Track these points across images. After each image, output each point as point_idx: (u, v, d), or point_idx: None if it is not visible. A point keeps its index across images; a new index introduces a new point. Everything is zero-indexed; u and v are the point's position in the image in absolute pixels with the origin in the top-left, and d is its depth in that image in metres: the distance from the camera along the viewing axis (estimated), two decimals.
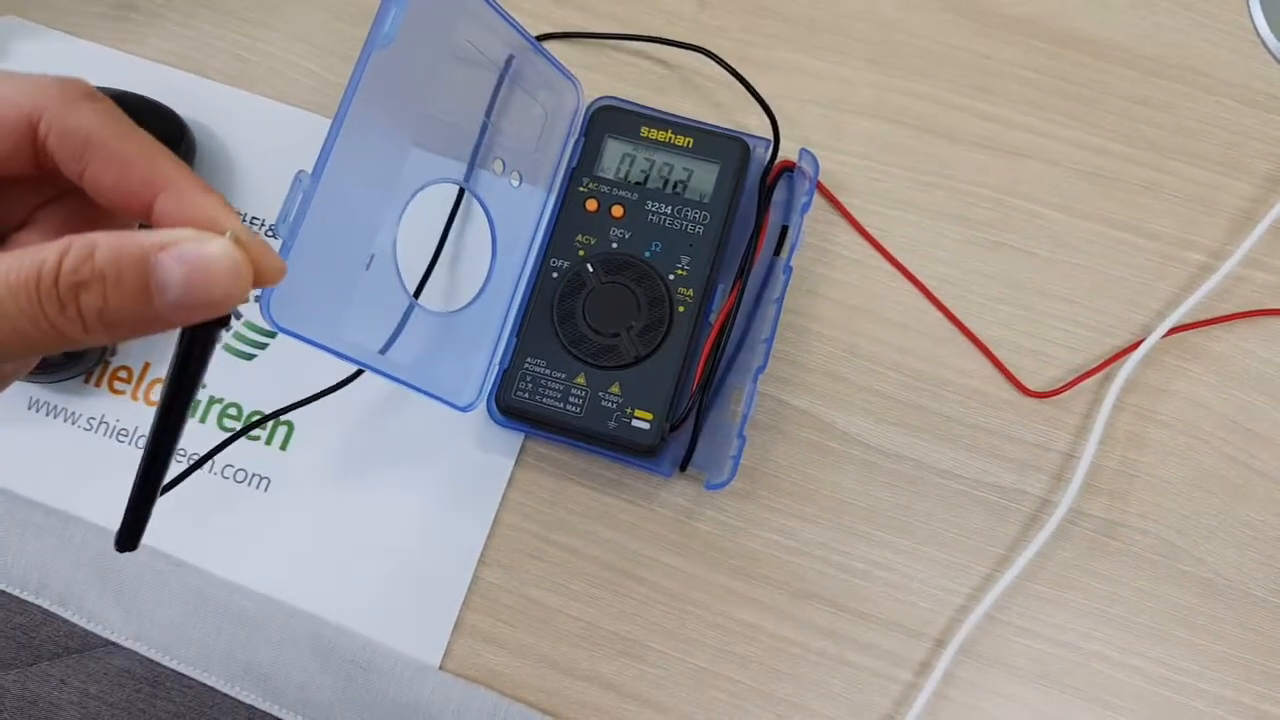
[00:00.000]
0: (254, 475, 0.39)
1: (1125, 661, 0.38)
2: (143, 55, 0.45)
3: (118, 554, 0.38)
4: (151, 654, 0.37)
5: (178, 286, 0.20)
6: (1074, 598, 0.38)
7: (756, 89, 0.42)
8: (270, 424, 0.40)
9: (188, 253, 0.20)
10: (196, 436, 0.39)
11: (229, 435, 0.38)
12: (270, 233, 0.42)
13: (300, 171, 0.31)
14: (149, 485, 0.23)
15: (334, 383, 0.39)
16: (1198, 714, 0.37)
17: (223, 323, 0.22)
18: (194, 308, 0.21)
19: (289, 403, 0.39)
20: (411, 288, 0.40)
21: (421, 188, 0.37)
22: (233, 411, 0.40)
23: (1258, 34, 0.44)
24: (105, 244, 0.20)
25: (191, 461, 0.39)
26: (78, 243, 0.20)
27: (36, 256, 0.20)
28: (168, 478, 0.25)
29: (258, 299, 0.30)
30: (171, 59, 0.45)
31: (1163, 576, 0.38)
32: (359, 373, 0.39)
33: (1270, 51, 0.43)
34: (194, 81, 0.44)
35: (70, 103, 0.22)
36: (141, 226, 0.23)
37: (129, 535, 0.23)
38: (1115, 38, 0.44)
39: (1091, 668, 0.38)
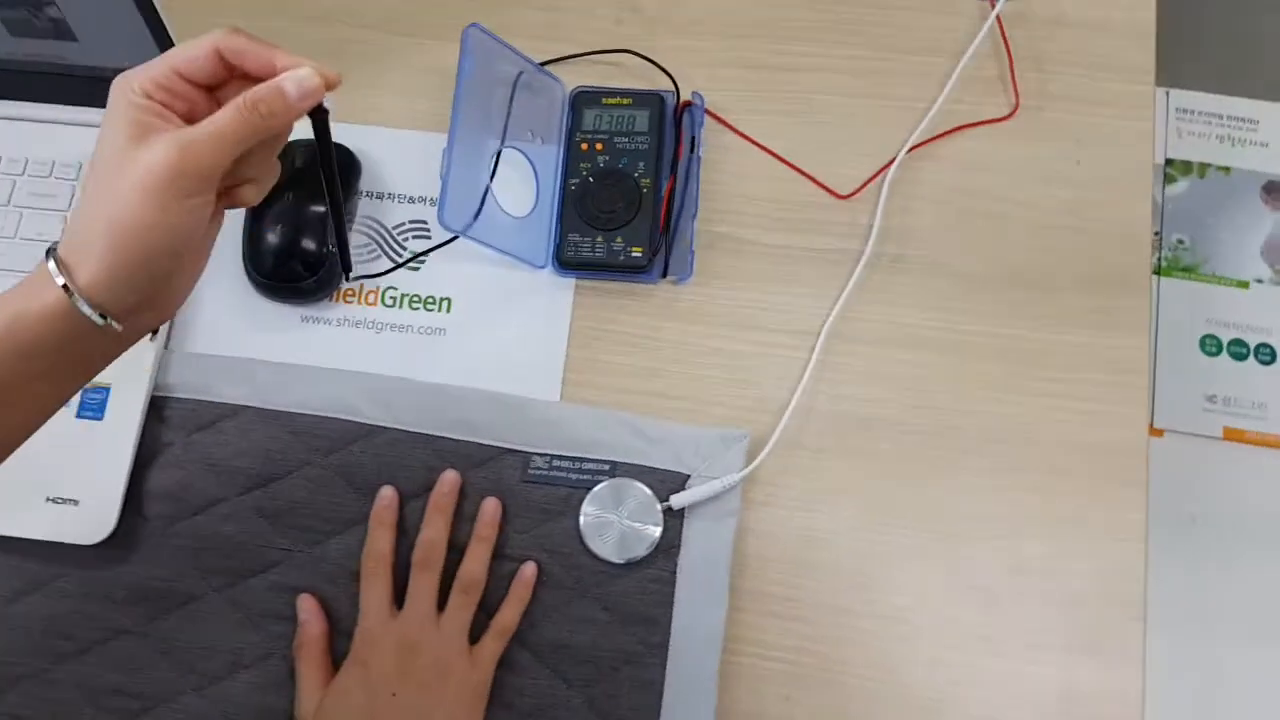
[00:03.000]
0: (435, 328, 0.72)
1: (922, 323, 0.70)
2: None
3: (376, 378, 0.70)
4: (401, 426, 0.69)
5: (294, 92, 0.45)
6: (885, 297, 0.71)
7: (662, 65, 0.74)
8: (439, 299, 0.72)
9: (293, 75, 0.45)
10: (386, 314, 0.72)
11: (398, 263, 0.71)
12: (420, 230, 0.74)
13: (445, 148, 0.63)
14: (339, 227, 0.56)
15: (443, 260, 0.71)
16: (967, 351, 0.69)
17: (323, 109, 0.47)
18: (304, 98, 0.45)
19: (444, 291, 0.71)
20: (504, 206, 0.72)
21: (496, 153, 0.70)
22: (414, 297, 0.72)
23: None
24: (262, 86, 0.45)
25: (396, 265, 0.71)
26: (248, 90, 0.45)
27: (237, 99, 0.45)
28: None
29: (439, 219, 0.62)
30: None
31: (934, 274, 0.71)
32: (454, 238, 0.70)
33: None
34: (347, 127, 0.76)
35: (229, 35, 0.46)
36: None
37: (346, 266, 0.57)
38: None
39: (899, 329, 0.70)
